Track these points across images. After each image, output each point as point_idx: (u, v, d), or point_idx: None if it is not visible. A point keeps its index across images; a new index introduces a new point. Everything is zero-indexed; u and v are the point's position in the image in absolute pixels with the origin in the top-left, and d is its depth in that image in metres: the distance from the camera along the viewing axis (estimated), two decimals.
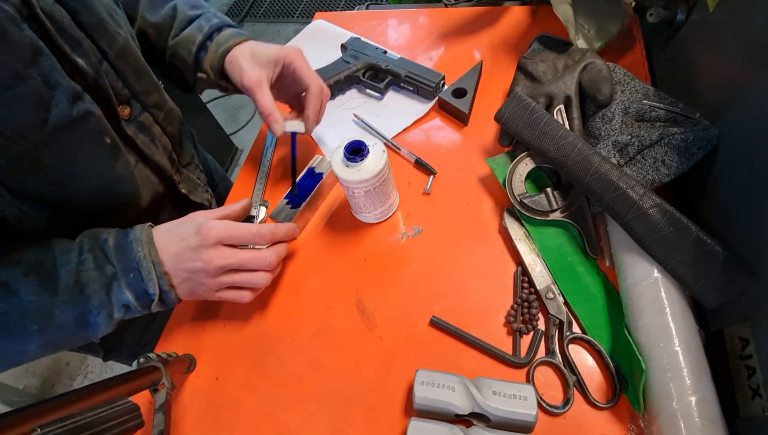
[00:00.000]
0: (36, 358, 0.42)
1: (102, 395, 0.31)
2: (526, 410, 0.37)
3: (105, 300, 0.41)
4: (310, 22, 0.83)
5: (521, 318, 0.45)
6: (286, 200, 0.56)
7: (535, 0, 0.74)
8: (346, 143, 0.47)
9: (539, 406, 0.40)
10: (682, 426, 0.34)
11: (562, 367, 0.42)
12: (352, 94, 0.71)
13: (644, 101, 0.50)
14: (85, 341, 0.44)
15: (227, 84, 0.58)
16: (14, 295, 0.38)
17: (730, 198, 0.41)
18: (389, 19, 0.80)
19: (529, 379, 0.42)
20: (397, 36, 0.77)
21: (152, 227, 0.45)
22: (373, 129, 0.64)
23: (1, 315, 0.38)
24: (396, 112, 0.66)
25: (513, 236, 0.49)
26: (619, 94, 0.52)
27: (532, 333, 0.44)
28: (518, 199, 0.49)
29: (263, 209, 0.59)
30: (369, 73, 0.69)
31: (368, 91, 0.70)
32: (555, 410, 0.40)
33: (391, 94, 0.69)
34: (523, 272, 0.48)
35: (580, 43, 0.59)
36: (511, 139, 0.54)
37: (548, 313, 0.44)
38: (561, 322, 0.44)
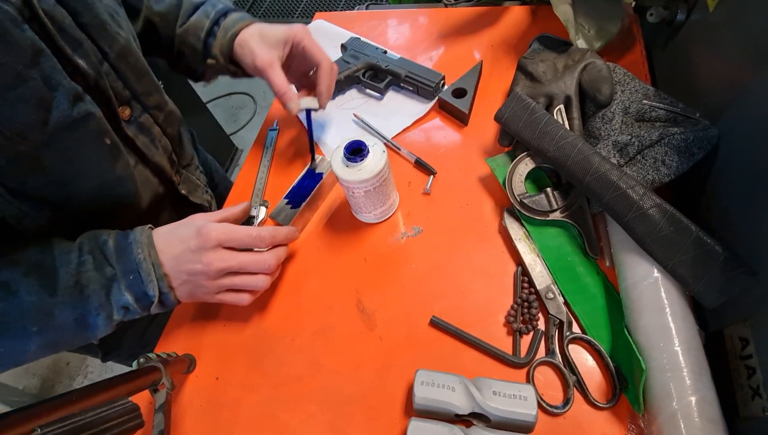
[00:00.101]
0: (35, 359, 0.42)
1: (102, 395, 0.31)
2: (526, 410, 0.37)
3: (104, 301, 0.41)
4: (310, 22, 0.83)
5: (521, 318, 0.45)
6: (286, 200, 0.56)
7: (535, 0, 0.74)
8: (346, 143, 0.47)
9: (539, 406, 0.40)
10: (682, 426, 0.34)
11: (562, 367, 0.42)
12: (352, 94, 0.71)
13: (644, 101, 0.50)
14: (85, 342, 0.44)
15: (237, 68, 0.58)
16: (14, 295, 0.38)
17: (730, 198, 0.41)
18: (389, 19, 0.80)
19: (529, 379, 0.42)
20: (397, 36, 0.77)
21: (152, 229, 0.45)
22: (373, 129, 0.64)
23: (1, 315, 0.38)
24: (396, 112, 0.66)
25: (513, 236, 0.49)
26: (619, 94, 0.52)
27: (532, 333, 0.44)
28: (518, 199, 0.49)
29: (263, 209, 0.59)
30: (369, 73, 0.69)
31: (368, 91, 0.70)
32: (555, 410, 0.40)
33: (391, 94, 0.69)
34: (523, 272, 0.48)
35: (580, 43, 0.59)
36: (511, 139, 0.54)
37: (548, 313, 0.44)
38: (561, 322, 0.44)
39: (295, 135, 0.67)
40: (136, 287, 0.42)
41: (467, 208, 0.54)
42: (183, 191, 0.59)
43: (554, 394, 0.41)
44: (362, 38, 0.73)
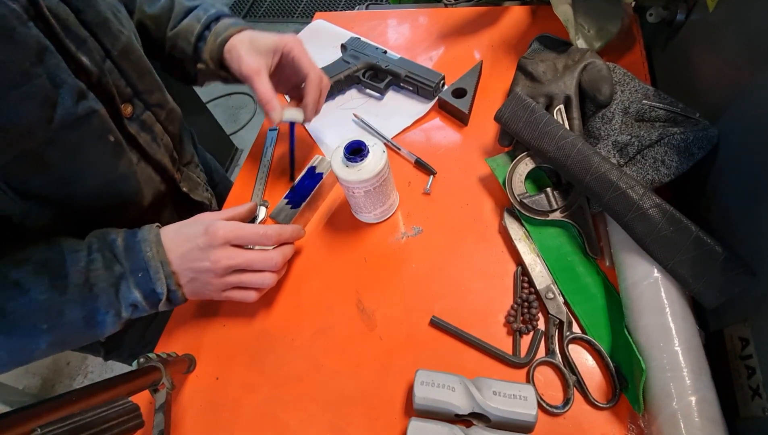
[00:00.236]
0: (44, 357, 0.42)
1: (102, 395, 0.31)
2: (526, 410, 0.37)
3: (113, 299, 0.42)
4: (310, 22, 0.83)
5: (521, 318, 0.45)
6: (286, 200, 0.56)
7: (535, 0, 0.74)
8: (346, 143, 0.47)
9: (539, 406, 0.40)
10: (682, 426, 0.34)
11: (562, 367, 0.42)
12: (352, 94, 0.71)
13: (644, 101, 0.50)
14: (93, 340, 0.44)
15: (227, 74, 0.58)
16: (25, 294, 0.39)
17: (730, 198, 0.41)
18: (389, 19, 0.80)
19: (529, 379, 0.42)
20: (397, 36, 0.77)
21: (159, 228, 0.46)
22: (373, 129, 0.64)
23: (12, 313, 0.39)
24: (396, 112, 0.66)
25: (513, 236, 0.49)
26: (619, 94, 0.52)
27: (532, 333, 0.44)
28: (518, 199, 0.49)
29: (263, 209, 0.59)
30: (369, 73, 0.69)
31: (368, 91, 0.70)
32: (555, 410, 0.40)
33: (391, 94, 0.69)
34: (523, 272, 0.48)
35: (580, 43, 0.59)
36: (511, 139, 0.54)
37: (548, 313, 0.44)
38: (561, 322, 0.44)
39: (295, 135, 0.67)
40: (144, 285, 0.42)
41: (467, 208, 0.54)
42: (184, 189, 0.59)
43: (554, 394, 0.41)
44: (362, 38, 0.73)
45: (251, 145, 0.68)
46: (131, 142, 0.49)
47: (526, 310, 0.45)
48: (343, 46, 0.72)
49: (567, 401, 0.40)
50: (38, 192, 0.42)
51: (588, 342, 0.43)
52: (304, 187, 0.56)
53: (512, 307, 0.46)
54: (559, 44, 0.61)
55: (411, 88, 0.67)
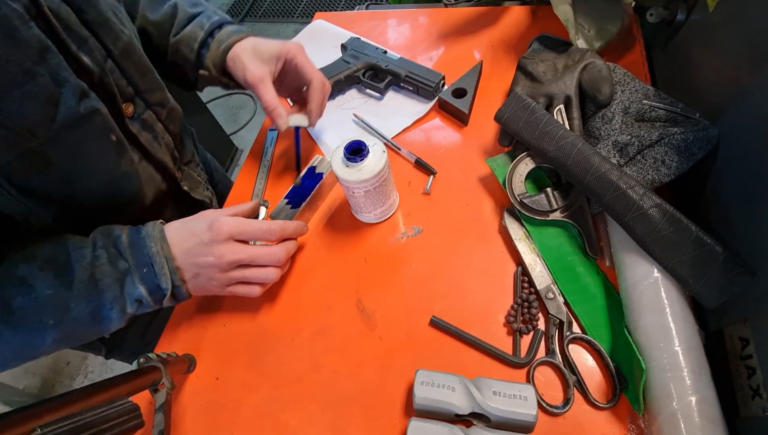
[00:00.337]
0: (50, 353, 0.43)
1: (102, 395, 0.31)
2: (526, 410, 0.37)
3: (118, 294, 0.42)
4: (310, 22, 0.83)
5: (521, 318, 0.45)
6: (286, 200, 0.56)
7: (535, 0, 0.74)
8: (346, 143, 0.47)
9: (539, 406, 0.40)
10: (682, 426, 0.34)
11: (562, 367, 0.42)
12: (352, 94, 0.71)
13: (644, 101, 0.50)
14: (98, 335, 0.45)
15: (229, 81, 0.58)
16: (31, 289, 0.39)
17: (730, 198, 0.41)
18: (389, 19, 0.80)
19: (529, 379, 0.42)
20: (397, 36, 0.77)
21: (164, 224, 0.46)
22: (373, 129, 0.64)
23: (19, 308, 0.39)
24: (396, 112, 0.66)
25: (513, 236, 0.49)
26: (619, 94, 0.52)
27: (532, 333, 0.44)
28: (518, 199, 0.49)
29: (263, 209, 0.59)
30: (369, 73, 0.69)
31: (368, 91, 0.70)
32: (555, 410, 0.40)
33: (391, 94, 0.69)
34: (523, 272, 0.48)
35: (580, 43, 0.59)
36: (511, 139, 0.54)
37: (548, 313, 0.44)
38: (561, 322, 0.44)
39: (293, 143, 0.67)
40: (149, 280, 0.43)
41: (467, 208, 0.54)
42: (185, 187, 0.60)
43: (554, 394, 0.41)
44: (362, 38, 0.73)
45: (251, 145, 0.68)
46: (132, 141, 0.49)
47: (526, 310, 0.45)
48: (343, 46, 0.72)
49: (567, 401, 0.40)
50: (41, 191, 0.42)
51: (588, 342, 0.43)
52: (304, 187, 0.56)
53: (512, 307, 0.46)
54: (559, 44, 0.61)
55: (411, 88, 0.67)
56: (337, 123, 0.67)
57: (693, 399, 0.34)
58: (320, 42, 0.77)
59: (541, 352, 0.43)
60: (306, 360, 0.47)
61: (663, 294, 0.39)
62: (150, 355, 0.40)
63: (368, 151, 0.47)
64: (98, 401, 0.30)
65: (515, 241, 0.49)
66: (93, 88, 0.42)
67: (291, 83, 0.58)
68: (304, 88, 0.56)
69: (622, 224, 0.42)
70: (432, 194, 0.57)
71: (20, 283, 0.39)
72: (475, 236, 0.52)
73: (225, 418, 0.45)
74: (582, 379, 0.41)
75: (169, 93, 0.57)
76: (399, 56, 0.68)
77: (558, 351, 0.43)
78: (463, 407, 0.38)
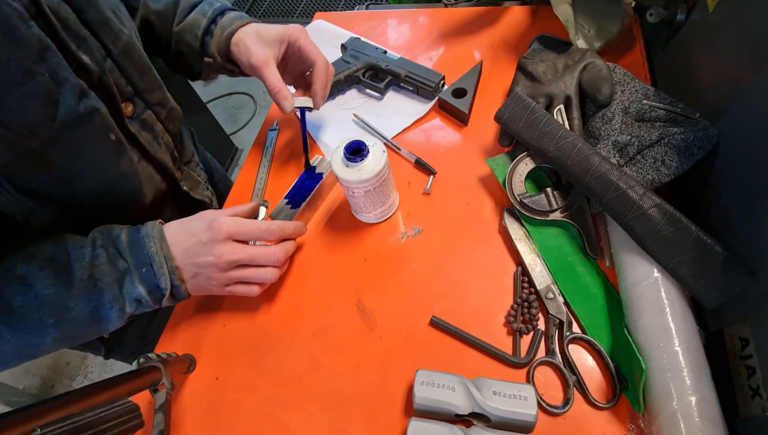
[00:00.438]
0: (50, 352, 0.43)
1: (102, 395, 0.31)
2: (526, 410, 0.37)
3: (117, 294, 0.42)
4: (310, 22, 0.83)
5: (521, 318, 0.45)
6: (286, 200, 0.56)
7: (535, 0, 0.74)
8: (346, 143, 0.47)
9: (539, 406, 0.40)
10: (682, 426, 0.34)
11: (562, 367, 0.42)
12: (352, 94, 0.71)
13: (644, 101, 0.50)
14: (98, 335, 0.45)
15: (233, 67, 0.58)
16: (31, 289, 0.39)
17: (730, 198, 0.41)
18: (389, 19, 0.80)
19: (529, 379, 0.42)
20: (397, 36, 0.77)
21: (163, 224, 0.46)
22: (373, 129, 0.64)
23: (19, 308, 0.39)
24: (396, 112, 0.66)
25: (513, 236, 0.49)
26: (619, 94, 0.52)
27: (532, 333, 0.44)
28: (518, 199, 0.49)
29: (263, 209, 0.59)
30: (369, 73, 0.69)
31: (368, 91, 0.70)
32: (555, 410, 0.40)
33: (391, 94, 0.69)
34: (523, 272, 0.48)
35: (580, 43, 0.59)
36: (511, 139, 0.54)
37: (548, 313, 0.44)
38: (561, 322, 0.44)
39: (295, 135, 0.67)
40: (148, 280, 0.43)
41: (467, 208, 0.54)
42: (185, 187, 0.60)
43: (554, 394, 0.41)
44: (362, 38, 0.73)
45: (251, 145, 0.68)
46: (132, 140, 0.49)
47: (526, 310, 0.45)
48: (343, 46, 0.72)
49: (567, 401, 0.40)
50: (40, 190, 0.42)
51: (588, 342, 0.43)
52: (304, 187, 0.56)
53: (512, 307, 0.46)
54: (559, 44, 0.61)
55: (411, 88, 0.67)
56: (337, 123, 0.67)
57: (693, 399, 0.34)
58: (320, 42, 0.76)
59: (541, 352, 0.43)
60: (306, 360, 0.47)
61: (663, 294, 0.39)
62: (150, 355, 0.40)
63: (368, 151, 0.47)
64: (98, 401, 0.30)
65: (515, 241, 0.49)
66: (92, 88, 0.42)
67: (295, 67, 0.58)
68: (308, 72, 0.56)
69: (622, 224, 0.42)
70: (432, 194, 0.57)
71: (20, 283, 0.39)
72: (475, 236, 0.52)
73: (225, 418, 0.45)
74: (582, 379, 0.41)
75: (169, 93, 0.57)
76: (399, 56, 0.68)
77: (558, 351, 0.43)
78: (463, 407, 0.38)
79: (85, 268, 0.41)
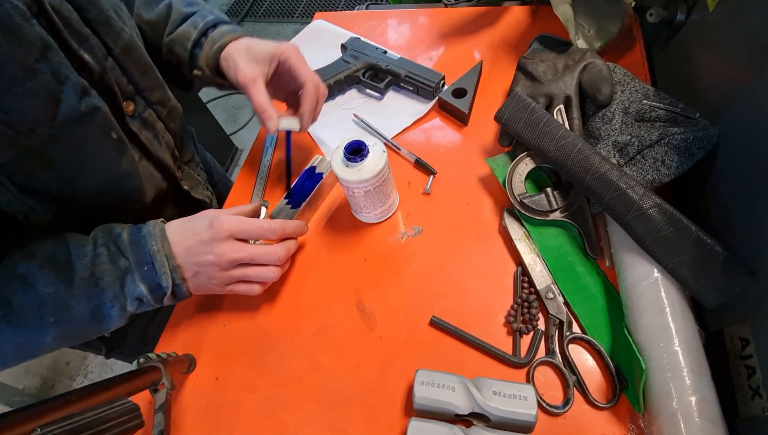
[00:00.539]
0: (50, 351, 0.43)
1: (102, 395, 0.31)
2: (526, 410, 0.37)
3: (119, 292, 0.42)
4: (310, 22, 0.83)
5: (521, 318, 0.45)
6: (286, 200, 0.56)
7: (535, 0, 0.74)
8: (346, 143, 0.47)
9: (539, 406, 0.40)
10: (682, 426, 0.34)
11: (562, 367, 0.42)
12: (352, 94, 0.71)
13: (644, 101, 0.50)
14: (99, 334, 0.45)
15: (223, 81, 0.58)
16: (32, 287, 0.39)
17: (730, 198, 0.41)
18: (389, 19, 0.80)
19: (529, 379, 0.42)
20: (397, 36, 0.77)
21: (164, 223, 0.46)
22: (373, 129, 0.64)
23: (19, 306, 0.39)
24: (396, 112, 0.66)
25: (513, 236, 0.49)
26: (619, 94, 0.52)
27: (532, 333, 0.44)
28: (518, 199, 0.49)
29: (263, 209, 0.59)
30: (369, 73, 0.69)
31: (368, 91, 0.70)
32: (555, 410, 0.40)
33: (391, 94, 0.69)
34: (523, 272, 0.48)
35: (580, 43, 0.59)
36: (511, 139, 0.54)
37: (548, 313, 0.44)
38: (561, 322, 0.44)
39: (295, 136, 0.67)
40: (150, 279, 0.43)
41: (467, 208, 0.54)
42: (185, 187, 0.60)
43: (554, 394, 0.41)
44: (362, 38, 0.73)
45: (251, 145, 0.68)
46: (133, 139, 0.49)
47: (526, 310, 0.45)
48: (343, 46, 0.72)
49: (567, 401, 0.40)
50: (42, 189, 0.42)
51: (588, 342, 0.43)
52: (304, 187, 0.56)
53: (512, 307, 0.46)
54: (559, 44, 0.61)
55: (411, 88, 0.67)
56: (337, 123, 0.67)
57: (693, 399, 0.34)
58: (320, 42, 0.77)
59: (541, 352, 0.43)
60: (306, 360, 0.47)
61: (663, 294, 0.39)
62: (150, 355, 0.40)
63: (368, 151, 0.47)
64: (98, 401, 0.30)
65: (515, 241, 0.49)
66: (94, 86, 0.42)
67: (285, 85, 0.56)
68: (300, 92, 0.55)
69: (622, 224, 0.43)
70: (432, 194, 0.57)
71: (21, 281, 0.39)
72: (475, 236, 0.52)
73: (225, 418, 0.45)
74: (582, 379, 0.41)
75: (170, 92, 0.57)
76: (399, 56, 0.68)
77: (558, 351, 0.43)
78: (463, 407, 0.38)
79: (86, 267, 0.41)
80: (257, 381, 0.47)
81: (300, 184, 0.57)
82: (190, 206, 0.62)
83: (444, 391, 0.39)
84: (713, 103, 0.45)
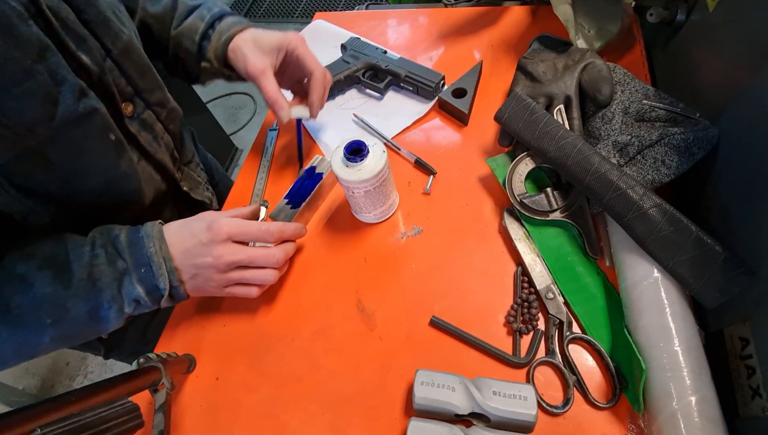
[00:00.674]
0: (47, 352, 0.43)
1: (102, 395, 0.31)
2: (526, 410, 0.37)
3: (116, 294, 0.42)
4: (310, 22, 0.83)
5: (521, 318, 0.45)
6: (286, 200, 0.56)
7: (535, 0, 0.74)
8: (346, 143, 0.47)
9: (539, 406, 0.40)
10: (682, 426, 0.34)
11: (562, 367, 0.42)
12: (352, 94, 0.71)
13: (644, 101, 0.50)
14: (96, 335, 0.45)
15: (231, 72, 0.58)
16: (30, 288, 0.39)
17: (730, 198, 0.41)
18: (389, 19, 0.80)
19: (529, 379, 0.42)
20: (397, 36, 0.77)
21: (163, 224, 0.46)
22: (373, 129, 0.64)
23: (17, 307, 0.39)
24: (396, 112, 0.66)
25: (513, 236, 0.49)
26: (619, 94, 0.52)
27: (532, 333, 0.44)
28: (518, 199, 0.49)
29: (263, 209, 0.59)
30: (369, 73, 0.69)
31: (368, 91, 0.70)
32: (555, 410, 0.40)
33: (391, 94, 0.69)
34: (523, 272, 0.48)
35: (580, 43, 0.59)
36: (511, 139, 0.54)
37: (548, 313, 0.44)
38: (561, 322, 0.44)
39: (295, 135, 0.67)
40: (147, 280, 0.43)
41: (467, 208, 0.54)
42: (185, 188, 0.59)
43: (554, 394, 0.41)
44: (362, 38, 0.73)
45: (251, 145, 0.68)
46: (132, 140, 0.49)
47: (526, 310, 0.45)
48: (343, 46, 0.72)
49: (567, 401, 0.40)
50: (40, 190, 0.42)
51: (588, 342, 0.43)
52: (304, 187, 0.56)
53: (512, 307, 0.46)
54: (559, 44, 0.61)
55: (411, 88, 0.67)
56: (337, 123, 0.67)
57: (693, 399, 0.34)
58: (320, 42, 0.77)
59: (541, 352, 0.43)
60: (306, 360, 0.47)
61: (663, 294, 0.39)
62: (150, 355, 0.40)
63: (368, 151, 0.47)
64: (98, 401, 0.30)
65: (515, 241, 0.49)
66: (92, 88, 0.42)
67: (292, 75, 0.58)
68: (306, 80, 0.56)
69: (622, 224, 0.42)
70: (432, 194, 0.57)
71: (19, 282, 0.39)
72: (475, 236, 0.52)
73: (225, 418, 0.45)
74: (582, 379, 0.41)
75: (169, 93, 0.57)
76: (399, 56, 0.68)
77: (558, 351, 0.43)
78: (463, 407, 0.38)
79: (84, 268, 0.41)
80: (257, 381, 0.47)
81: (300, 184, 0.57)
82: (189, 207, 0.61)
83: (444, 391, 0.39)
84: (713, 103, 0.45)
